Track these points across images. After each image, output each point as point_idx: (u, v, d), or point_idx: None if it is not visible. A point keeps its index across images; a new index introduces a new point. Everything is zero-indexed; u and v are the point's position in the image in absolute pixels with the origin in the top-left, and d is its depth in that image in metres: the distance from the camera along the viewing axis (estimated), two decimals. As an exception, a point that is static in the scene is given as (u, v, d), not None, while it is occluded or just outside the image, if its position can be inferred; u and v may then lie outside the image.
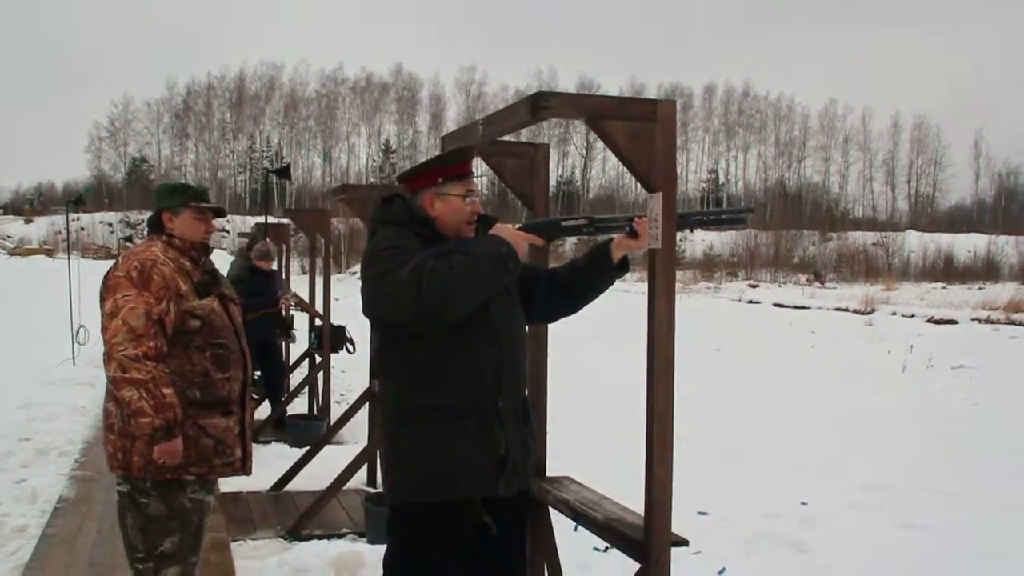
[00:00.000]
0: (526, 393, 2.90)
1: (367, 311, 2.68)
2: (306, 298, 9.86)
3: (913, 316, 23.96)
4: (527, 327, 3.02)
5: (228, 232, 50.67)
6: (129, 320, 3.09)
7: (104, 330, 3.13)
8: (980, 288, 40.16)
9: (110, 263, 3.47)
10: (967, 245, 61.31)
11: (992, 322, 22.50)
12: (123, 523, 3.28)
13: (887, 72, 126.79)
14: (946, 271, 53.84)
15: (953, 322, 22.53)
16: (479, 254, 2.56)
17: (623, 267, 2.89)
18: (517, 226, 2.81)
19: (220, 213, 3.60)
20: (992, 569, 5.20)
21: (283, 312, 9.07)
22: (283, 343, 10.57)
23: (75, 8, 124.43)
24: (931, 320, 22.94)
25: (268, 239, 9.26)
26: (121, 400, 3.09)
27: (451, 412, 2.66)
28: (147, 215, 3.61)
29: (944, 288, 40.35)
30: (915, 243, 60.94)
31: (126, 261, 3.24)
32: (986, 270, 54.48)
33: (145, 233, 3.56)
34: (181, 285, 3.25)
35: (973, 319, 23.09)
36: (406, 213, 2.73)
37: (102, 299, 3.21)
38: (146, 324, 3.10)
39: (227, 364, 3.31)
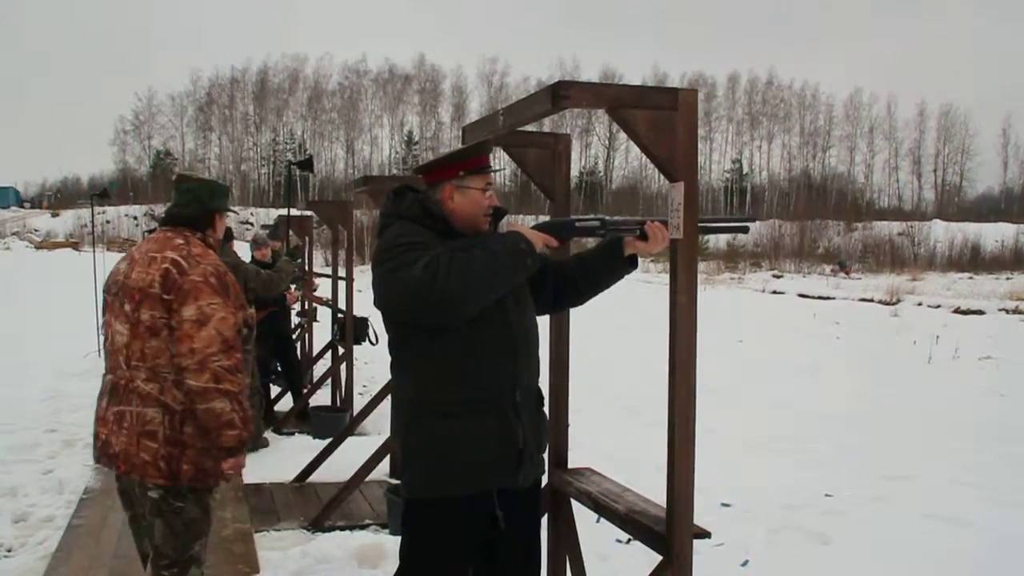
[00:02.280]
0: (539, 384, 2.90)
1: (379, 304, 2.68)
2: (329, 290, 9.87)
3: (939, 307, 23.83)
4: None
5: (252, 224, 50.98)
6: (223, 331, 3.04)
7: (188, 338, 3.01)
8: (1008, 278, 39.81)
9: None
10: (994, 235, 60.65)
11: (1020, 312, 22.33)
12: (151, 532, 3.16)
13: (913, 60, 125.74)
14: (973, 261, 53.38)
15: (980, 312, 22.39)
16: (499, 249, 2.57)
17: (632, 263, 2.94)
18: (532, 225, 2.81)
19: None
20: (1019, 561, 5.15)
21: (294, 307, 9.12)
22: (304, 335, 10.63)
23: (100, 2, 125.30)
24: (957, 311, 22.81)
25: (262, 226, 9.29)
26: (209, 411, 3.01)
27: (469, 407, 2.65)
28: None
29: (971, 278, 40.07)
30: (941, 233, 60.37)
31: (196, 264, 3.11)
32: (1014, 260, 53.88)
33: (160, 226, 3.40)
34: (242, 294, 3.24)
35: (1000, 310, 22.92)
36: (420, 208, 2.72)
37: (169, 302, 3.06)
38: (235, 335, 3.07)
39: (246, 369, 3.31)
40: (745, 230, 3.13)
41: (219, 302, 3.06)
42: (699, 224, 2.77)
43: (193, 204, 3.30)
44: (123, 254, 3.35)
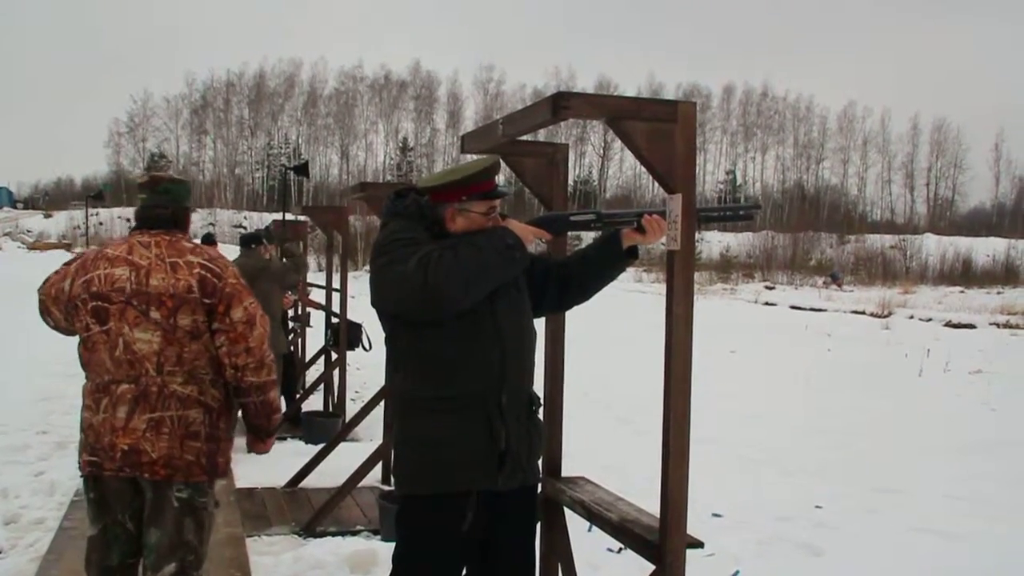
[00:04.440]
0: (533, 389, 2.91)
1: (375, 301, 2.71)
2: (322, 295, 9.88)
3: (930, 320, 23.95)
4: (545, 319, 3.04)
5: (246, 228, 50.92)
6: (266, 327, 3.26)
7: (243, 338, 3.17)
8: (999, 293, 39.94)
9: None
10: (986, 249, 60.85)
11: (1011, 327, 22.46)
12: (178, 528, 3.20)
13: (907, 74, 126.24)
14: (964, 275, 53.56)
15: (971, 326, 22.51)
16: (486, 244, 2.60)
17: (632, 254, 2.93)
18: (527, 220, 2.82)
19: None
20: (1006, 575, 5.17)
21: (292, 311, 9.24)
22: (298, 340, 10.62)
23: (96, 3, 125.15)
24: (949, 324, 22.92)
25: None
26: (266, 401, 3.29)
27: (454, 404, 2.68)
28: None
29: (962, 292, 40.20)
30: (933, 246, 60.57)
31: (224, 267, 3.23)
32: (1005, 274, 54.09)
33: (130, 226, 3.44)
34: None
35: (991, 324, 23.04)
36: (418, 208, 2.75)
37: (212, 306, 3.17)
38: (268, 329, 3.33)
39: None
40: (750, 217, 3.09)
41: (254, 301, 3.25)
42: (700, 213, 2.77)
43: (173, 204, 3.33)
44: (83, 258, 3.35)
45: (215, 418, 3.21)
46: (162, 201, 3.30)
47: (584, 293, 3.01)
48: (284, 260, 8.80)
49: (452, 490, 2.70)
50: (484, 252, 2.57)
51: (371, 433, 7.54)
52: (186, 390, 3.14)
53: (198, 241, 3.91)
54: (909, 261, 57.49)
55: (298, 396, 8.99)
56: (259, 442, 3.52)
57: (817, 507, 6.38)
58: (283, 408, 3.37)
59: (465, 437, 2.68)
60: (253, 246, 8.17)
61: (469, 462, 2.69)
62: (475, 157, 2.95)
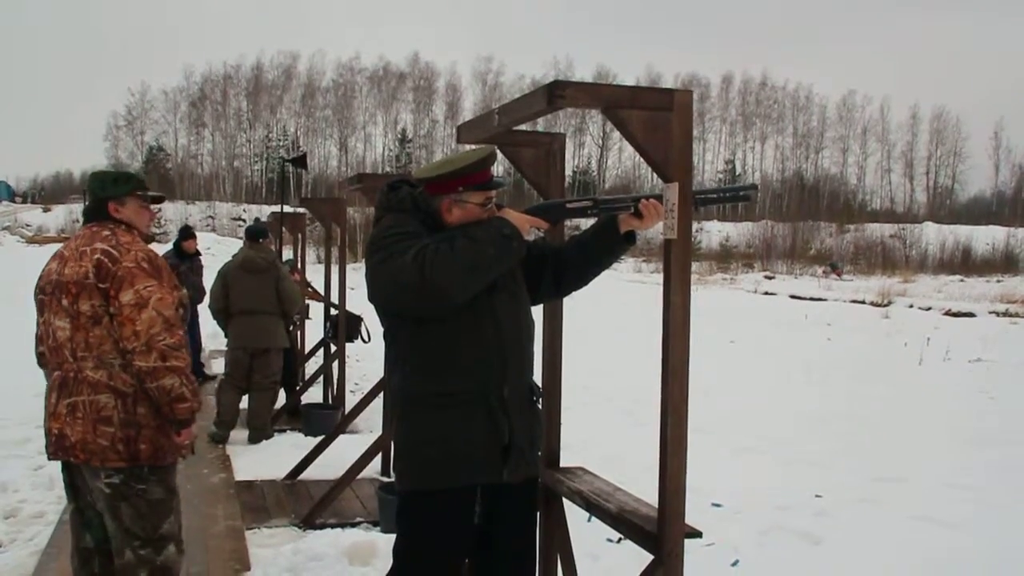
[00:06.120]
0: (533, 380, 2.90)
1: (371, 297, 2.69)
2: (321, 287, 9.87)
3: (930, 309, 23.96)
4: (542, 306, 3.03)
5: (244, 220, 50.88)
6: (163, 311, 3.19)
7: (130, 321, 3.15)
8: (998, 281, 39.94)
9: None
10: (986, 237, 60.79)
11: (1010, 315, 22.47)
12: (115, 514, 3.26)
13: (906, 63, 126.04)
14: (964, 264, 53.59)
15: (971, 315, 22.51)
16: (482, 236, 2.58)
17: (630, 239, 2.92)
18: (523, 209, 2.81)
19: (159, 200, 3.68)
20: (1007, 564, 5.16)
21: None
22: (297, 332, 10.62)
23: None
24: (948, 313, 22.93)
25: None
26: (160, 388, 3.17)
27: (456, 399, 2.67)
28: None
29: (962, 281, 40.20)
30: (933, 235, 60.54)
31: (127, 251, 3.24)
32: (1005, 263, 54.10)
33: (78, 221, 3.55)
34: (174, 276, 3.42)
35: (991, 312, 23.06)
36: (412, 201, 2.73)
37: (106, 290, 3.19)
38: (175, 314, 3.24)
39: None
40: (747, 199, 3.08)
41: (154, 284, 3.22)
42: (697, 196, 2.75)
43: (92, 197, 3.44)
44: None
45: (130, 403, 3.22)
46: (88, 197, 3.47)
47: (582, 279, 3.00)
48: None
49: (457, 485, 2.69)
50: (481, 244, 2.55)
51: (370, 425, 7.55)
52: (96, 375, 3.20)
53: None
54: (909, 250, 57.50)
55: (297, 388, 8.99)
56: (175, 432, 3.34)
57: (817, 496, 6.38)
58: (196, 394, 3.34)
59: (468, 432, 2.67)
60: (261, 240, 8.18)
61: (473, 457, 2.68)
62: (472, 147, 2.94)
